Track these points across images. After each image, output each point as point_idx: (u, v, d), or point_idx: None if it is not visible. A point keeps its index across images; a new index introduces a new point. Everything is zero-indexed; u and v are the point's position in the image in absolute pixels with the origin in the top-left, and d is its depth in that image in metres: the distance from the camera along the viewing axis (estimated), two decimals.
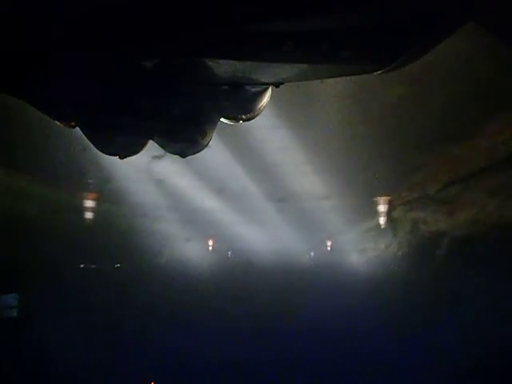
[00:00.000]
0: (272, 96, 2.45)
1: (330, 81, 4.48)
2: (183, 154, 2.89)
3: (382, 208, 9.78)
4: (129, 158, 2.74)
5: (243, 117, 2.51)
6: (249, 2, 1.55)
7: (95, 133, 2.54)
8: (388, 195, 9.53)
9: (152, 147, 2.71)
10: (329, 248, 13.24)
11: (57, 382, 6.45)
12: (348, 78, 3.91)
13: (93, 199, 9.02)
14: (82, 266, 9.77)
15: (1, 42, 1.72)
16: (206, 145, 2.71)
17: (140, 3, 1.57)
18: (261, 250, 12.23)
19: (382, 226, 10.11)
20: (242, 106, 2.43)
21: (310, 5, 1.53)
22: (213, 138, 2.70)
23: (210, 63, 1.90)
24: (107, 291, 8.70)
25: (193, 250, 12.95)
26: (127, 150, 2.74)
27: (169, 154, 3.01)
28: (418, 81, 4.85)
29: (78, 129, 2.50)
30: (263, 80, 2.16)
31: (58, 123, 2.51)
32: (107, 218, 9.70)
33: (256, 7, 1.54)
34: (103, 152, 2.73)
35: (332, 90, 5.11)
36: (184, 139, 2.63)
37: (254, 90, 2.25)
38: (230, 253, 14.09)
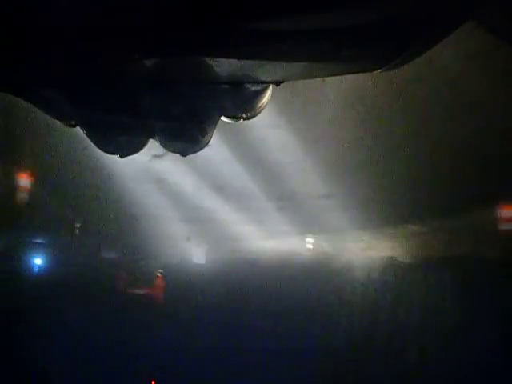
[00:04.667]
0: (272, 95, 2.45)
1: (332, 79, 4.45)
2: (184, 153, 2.89)
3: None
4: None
5: (244, 115, 2.50)
6: (249, 0, 1.55)
7: (96, 132, 2.54)
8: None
9: (153, 146, 2.72)
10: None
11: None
12: (352, 76, 3.87)
13: None
14: None
15: (1, 41, 1.72)
16: (207, 143, 2.71)
17: (141, 2, 1.57)
18: (261, 248, 12.22)
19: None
20: (242, 104, 2.43)
21: (311, 4, 1.52)
22: (213, 137, 2.70)
23: (210, 62, 1.90)
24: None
25: (192, 249, 12.93)
26: (128, 148, 2.75)
27: (169, 153, 3.01)
28: (425, 80, 4.73)
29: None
30: (264, 79, 2.15)
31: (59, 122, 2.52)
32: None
33: (257, 6, 1.54)
34: (104, 151, 2.74)
35: (333, 89, 5.09)
36: (185, 138, 2.64)
37: (254, 88, 2.25)
38: (228, 252, 14.07)
